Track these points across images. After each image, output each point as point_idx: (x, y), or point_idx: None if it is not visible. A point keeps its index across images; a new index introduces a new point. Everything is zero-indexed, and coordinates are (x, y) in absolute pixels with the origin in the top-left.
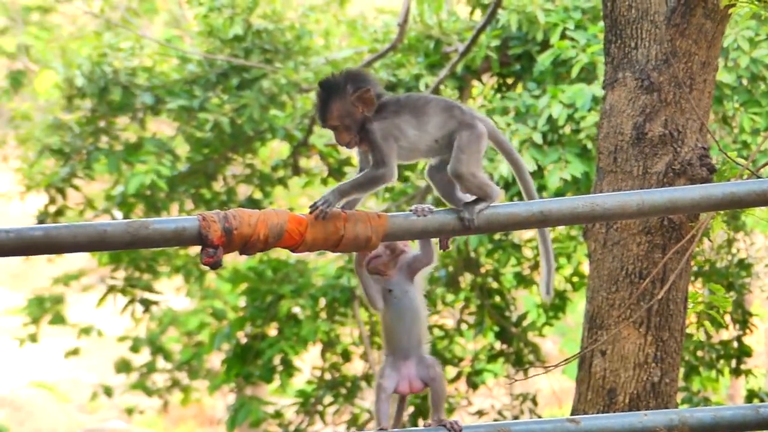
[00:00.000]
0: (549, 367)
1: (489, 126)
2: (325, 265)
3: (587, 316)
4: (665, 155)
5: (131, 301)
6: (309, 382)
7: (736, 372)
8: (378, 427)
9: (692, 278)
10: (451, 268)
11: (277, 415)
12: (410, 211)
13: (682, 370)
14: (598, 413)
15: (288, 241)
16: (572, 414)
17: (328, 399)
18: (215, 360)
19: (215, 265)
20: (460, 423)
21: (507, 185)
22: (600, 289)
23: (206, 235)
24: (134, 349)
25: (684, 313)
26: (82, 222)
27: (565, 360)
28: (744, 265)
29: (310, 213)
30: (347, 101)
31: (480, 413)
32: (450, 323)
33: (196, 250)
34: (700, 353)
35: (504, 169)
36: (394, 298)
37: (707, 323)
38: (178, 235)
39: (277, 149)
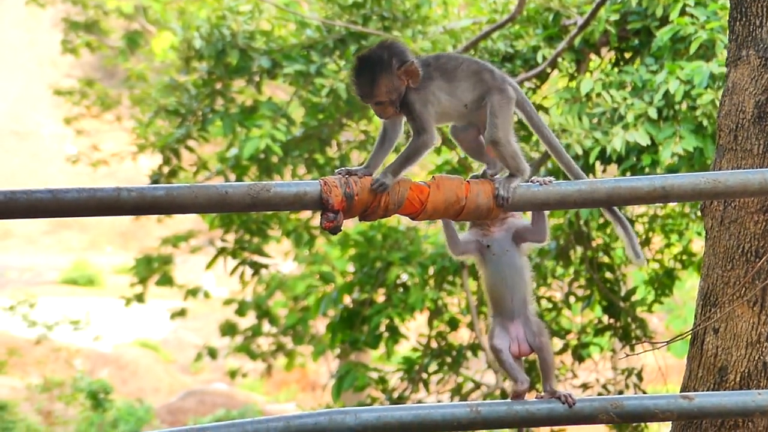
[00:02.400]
0: (659, 343)
1: (519, 93)
2: (435, 233)
3: (701, 293)
4: None
5: (241, 263)
6: (414, 350)
7: None
8: (516, 386)
9: None
10: (561, 241)
11: (381, 381)
12: (532, 182)
13: None
14: (708, 391)
15: (408, 208)
16: (682, 391)
17: (432, 367)
18: (320, 326)
19: (335, 230)
20: (574, 396)
21: (620, 159)
22: (715, 267)
23: (327, 199)
24: (240, 312)
25: None
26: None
27: (677, 336)
28: None
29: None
30: (394, 75)
31: (585, 386)
32: (558, 296)
33: (307, 214)
34: None
35: (617, 143)
36: (492, 255)
37: None
38: (300, 199)
39: None
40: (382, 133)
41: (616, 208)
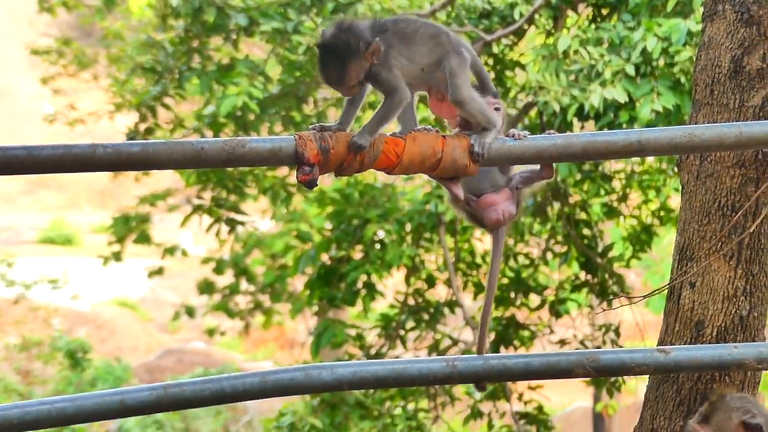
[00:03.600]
0: (636, 298)
1: (473, 55)
2: (412, 190)
3: (677, 247)
4: (762, 89)
5: (216, 221)
6: (391, 307)
7: None
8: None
9: None
10: (538, 198)
11: (359, 338)
12: (508, 136)
13: None
14: (684, 345)
15: (384, 162)
16: (659, 345)
17: (410, 324)
18: (298, 283)
19: (311, 184)
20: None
21: (597, 115)
22: (691, 221)
23: (302, 153)
24: (218, 270)
25: None
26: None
27: (653, 291)
28: None
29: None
30: (361, 59)
31: (562, 342)
32: (536, 252)
33: (284, 171)
34: None
35: (595, 99)
36: None
37: None
38: (275, 154)
39: None
40: (347, 102)
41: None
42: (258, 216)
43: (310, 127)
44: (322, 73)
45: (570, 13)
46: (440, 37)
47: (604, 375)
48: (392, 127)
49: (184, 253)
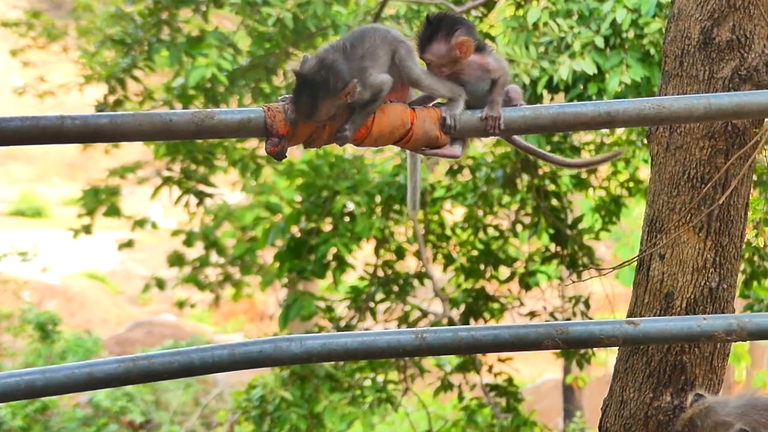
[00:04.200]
0: (605, 270)
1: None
2: (382, 162)
3: (647, 219)
4: (732, 61)
5: (186, 193)
6: (361, 279)
7: None
8: None
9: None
10: (508, 170)
11: (329, 310)
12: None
13: (741, 277)
14: (654, 317)
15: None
16: (628, 317)
17: (379, 296)
18: (268, 256)
19: (280, 156)
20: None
21: (567, 87)
22: (661, 193)
23: (271, 124)
24: (188, 243)
25: (744, 219)
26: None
27: (623, 263)
28: None
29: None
30: (337, 97)
31: (532, 314)
32: (505, 224)
33: (253, 143)
34: (756, 261)
35: (564, 72)
36: None
37: (767, 229)
38: (244, 126)
39: None
40: None
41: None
42: (228, 188)
43: (279, 98)
44: (294, 101)
45: None
46: (388, 35)
47: (573, 347)
48: None
49: (153, 226)
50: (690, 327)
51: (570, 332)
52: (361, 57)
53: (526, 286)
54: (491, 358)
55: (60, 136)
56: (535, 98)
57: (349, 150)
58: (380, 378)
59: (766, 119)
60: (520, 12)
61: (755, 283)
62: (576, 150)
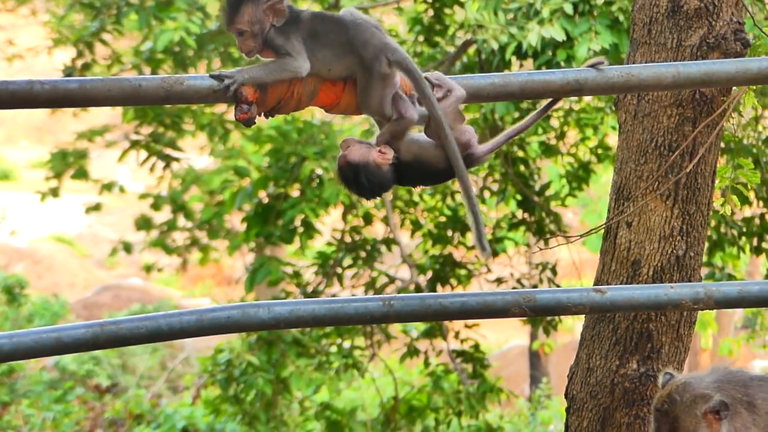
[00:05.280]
0: (573, 237)
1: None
2: (350, 128)
3: (614, 187)
4: (700, 28)
5: (152, 155)
6: (329, 245)
7: (757, 250)
8: None
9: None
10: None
11: (296, 275)
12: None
13: (705, 246)
14: (621, 284)
15: (323, 100)
16: (595, 284)
17: (347, 262)
18: (235, 220)
19: (249, 122)
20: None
21: (535, 54)
22: (628, 161)
23: (240, 91)
24: (155, 206)
25: (711, 187)
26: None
27: (590, 231)
28: None
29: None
30: (260, 8)
31: (499, 281)
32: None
33: (222, 108)
34: (723, 229)
35: (533, 38)
36: None
37: (735, 197)
38: (213, 92)
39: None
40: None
41: (473, 195)
42: (196, 153)
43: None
44: (221, 11)
45: None
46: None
47: (541, 314)
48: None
49: (121, 190)
50: (657, 295)
51: (537, 300)
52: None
53: (493, 252)
54: (458, 324)
55: (29, 101)
56: (503, 64)
57: (318, 115)
58: (347, 344)
59: (733, 87)
60: None
61: (719, 252)
62: (546, 118)
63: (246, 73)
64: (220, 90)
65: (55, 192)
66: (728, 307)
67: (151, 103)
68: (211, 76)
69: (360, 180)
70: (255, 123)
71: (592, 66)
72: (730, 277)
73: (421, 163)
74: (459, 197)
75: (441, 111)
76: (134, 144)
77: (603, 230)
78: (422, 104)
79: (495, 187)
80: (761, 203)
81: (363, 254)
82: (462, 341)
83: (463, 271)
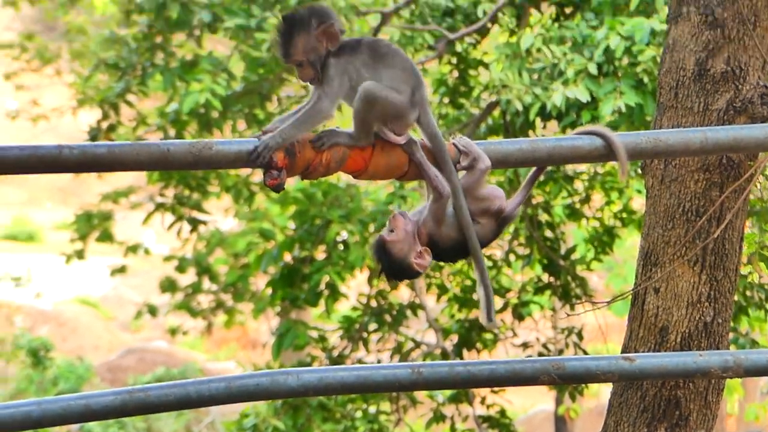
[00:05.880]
0: (599, 303)
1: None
2: (375, 190)
3: (641, 252)
4: (726, 92)
5: (178, 219)
6: (354, 309)
7: None
8: None
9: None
10: None
11: (321, 339)
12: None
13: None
14: (648, 351)
15: (351, 166)
16: (623, 351)
17: (372, 326)
18: (261, 283)
19: (278, 188)
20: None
21: (560, 114)
22: (656, 226)
23: (271, 157)
24: (180, 269)
25: (739, 252)
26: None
27: (618, 296)
28: None
29: (250, 158)
30: (312, 36)
31: (525, 345)
32: (498, 254)
33: (247, 170)
34: (749, 293)
35: (557, 99)
36: None
37: (762, 264)
38: (242, 157)
39: None
40: (303, 105)
41: (485, 269)
42: (221, 215)
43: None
44: (275, 44)
45: (533, 11)
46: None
47: (570, 382)
48: None
49: (146, 252)
50: (686, 363)
51: (566, 368)
52: (364, 46)
53: (519, 316)
54: (484, 389)
55: (58, 166)
56: (527, 125)
57: (343, 178)
58: (372, 409)
59: (760, 152)
60: (514, 38)
61: (744, 316)
62: (569, 179)
63: (278, 137)
64: (252, 157)
65: (80, 254)
66: (757, 375)
67: (179, 168)
68: (251, 155)
69: (392, 269)
70: (284, 188)
71: None
72: (754, 342)
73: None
74: (485, 261)
75: (461, 186)
76: (159, 206)
77: (630, 296)
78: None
79: (520, 250)
80: None
81: (389, 318)
82: (488, 406)
83: (488, 336)
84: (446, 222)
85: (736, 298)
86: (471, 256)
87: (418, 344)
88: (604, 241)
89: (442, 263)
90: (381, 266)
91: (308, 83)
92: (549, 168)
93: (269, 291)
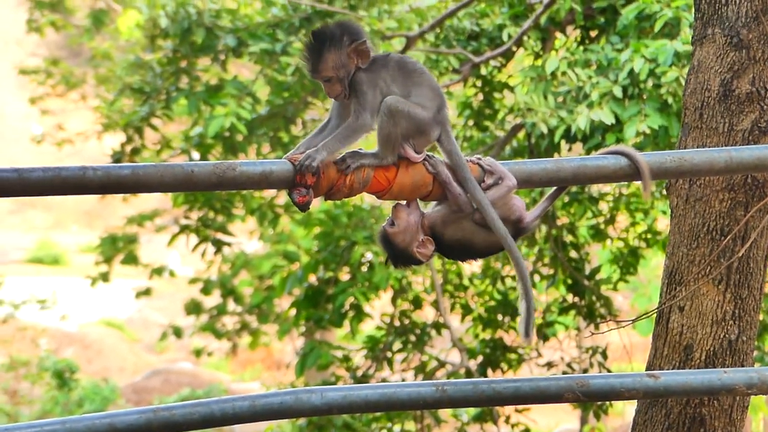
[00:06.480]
0: (624, 322)
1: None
2: None
3: (666, 271)
4: (751, 113)
5: (203, 241)
6: (378, 329)
7: None
8: None
9: None
10: None
11: (345, 359)
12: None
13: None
14: (673, 369)
15: (375, 186)
16: (647, 369)
17: (396, 345)
18: (285, 304)
19: (306, 206)
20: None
21: (585, 137)
22: (680, 245)
23: (302, 175)
24: (205, 291)
25: (764, 271)
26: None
27: (642, 315)
28: None
29: (296, 169)
30: (343, 52)
31: (550, 365)
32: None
33: (271, 192)
34: None
35: (582, 121)
36: None
37: None
38: (265, 178)
39: None
40: (326, 121)
41: (529, 285)
42: (245, 237)
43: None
44: (305, 59)
45: (558, 34)
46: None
47: (594, 400)
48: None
49: (171, 274)
50: (711, 380)
51: (591, 385)
52: (393, 62)
53: (543, 336)
54: (509, 408)
55: (82, 188)
56: (552, 147)
57: (367, 199)
58: (397, 428)
59: None
60: (539, 62)
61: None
62: (594, 200)
63: (323, 150)
64: (298, 167)
65: (105, 277)
66: None
67: (203, 189)
68: (297, 167)
69: (395, 257)
70: (309, 208)
71: None
72: None
73: (464, 245)
74: (509, 281)
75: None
76: (184, 228)
77: (655, 315)
78: (465, 190)
79: (545, 271)
80: None
81: (413, 338)
82: (513, 425)
83: (513, 356)
84: (452, 225)
85: (761, 317)
86: (516, 272)
87: (442, 363)
88: (628, 261)
89: (466, 283)
90: (387, 255)
91: (335, 99)
92: (573, 189)
93: (293, 312)
